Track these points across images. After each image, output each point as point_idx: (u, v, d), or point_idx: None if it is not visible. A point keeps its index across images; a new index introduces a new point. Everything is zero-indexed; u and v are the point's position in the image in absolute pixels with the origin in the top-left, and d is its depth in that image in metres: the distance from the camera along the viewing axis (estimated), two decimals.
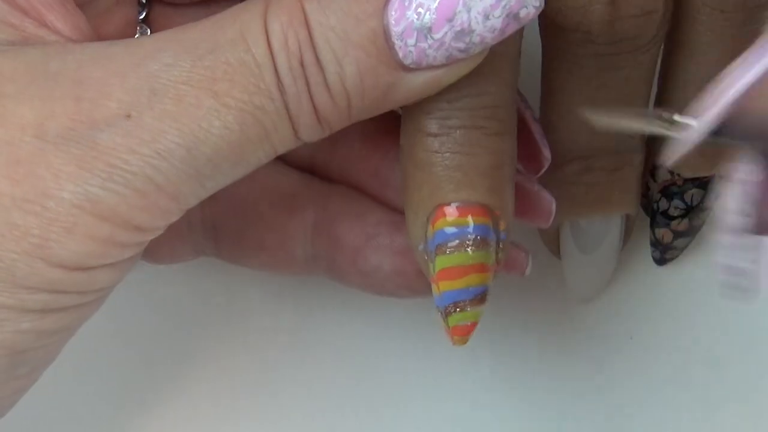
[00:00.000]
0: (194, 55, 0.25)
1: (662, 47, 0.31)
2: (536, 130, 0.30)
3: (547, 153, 0.30)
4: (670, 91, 0.32)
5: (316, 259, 0.31)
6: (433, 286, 0.27)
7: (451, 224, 0.27)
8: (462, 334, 0.27)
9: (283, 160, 0.32)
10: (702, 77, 0.31)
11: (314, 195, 0.31)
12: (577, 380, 0.35)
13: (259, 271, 0.33)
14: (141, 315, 0.36)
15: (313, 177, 0.32)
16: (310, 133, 0.26)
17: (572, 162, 0.31)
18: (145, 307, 0.36)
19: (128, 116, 0.24)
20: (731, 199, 0.22)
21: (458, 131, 0.26)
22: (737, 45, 0.30)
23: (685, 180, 0.33)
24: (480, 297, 0.27)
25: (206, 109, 0.24)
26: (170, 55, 0.25)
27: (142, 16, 0.30)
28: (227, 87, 0.24)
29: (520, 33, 0.27)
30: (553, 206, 0.30)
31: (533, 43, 0.30)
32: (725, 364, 0.35)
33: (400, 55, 0.25)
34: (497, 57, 0.26)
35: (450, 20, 0.25)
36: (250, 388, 0.35)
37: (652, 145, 0.33)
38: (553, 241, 0.34)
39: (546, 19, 0.29)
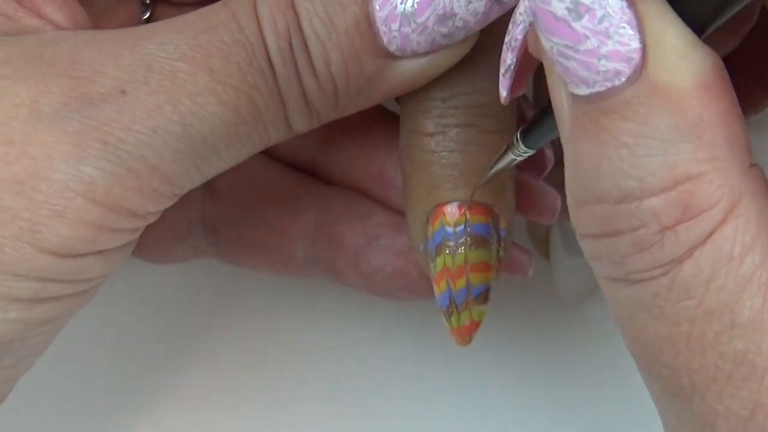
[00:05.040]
0: (188, 34, 0.25)
1: None
2: None
3: (550, 153, 0.30)
4: None
5: (317, 261, 0.31)
6: (435, 286, 0.27)
7: (450, 223, 0.27)
8: (465, 334, 0.27)
9: (285, 161, 0.32)
10: None
11: (315, 197, 0.31)
12: (576, 380, 0.35)
13: (258, 273, 0.33)
14: (140, 315, 0.36)
15: (315, 179, 0.32)
16: (300, 120, 0.26)
17: (560, 164, 0.31)
18: (145, 307, 0.36)
19: (123, 92, 0.24)
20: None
21: (454, 130, 0.27)
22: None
23: None
24: (482, 296, 0.27)
25: (202, 86, 0.24)
26: (164, 36, 0.25)
27: (145, 17, 0.31)
28: (222, 64, 0.24)
29: None
30: (558, 202, 0.30)
31: None
32: None
33: (385, 41, 0.25)
34: (492, 54, 0.27)
35: (432, 3, 0.25)
36: (249, 388, 0.35)
37: None
38: (542, 244, 0.34)
39: None
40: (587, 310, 0.36)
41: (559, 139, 0.30)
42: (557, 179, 0.31)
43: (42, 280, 0.24)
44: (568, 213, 0.32)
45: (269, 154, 0.32)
